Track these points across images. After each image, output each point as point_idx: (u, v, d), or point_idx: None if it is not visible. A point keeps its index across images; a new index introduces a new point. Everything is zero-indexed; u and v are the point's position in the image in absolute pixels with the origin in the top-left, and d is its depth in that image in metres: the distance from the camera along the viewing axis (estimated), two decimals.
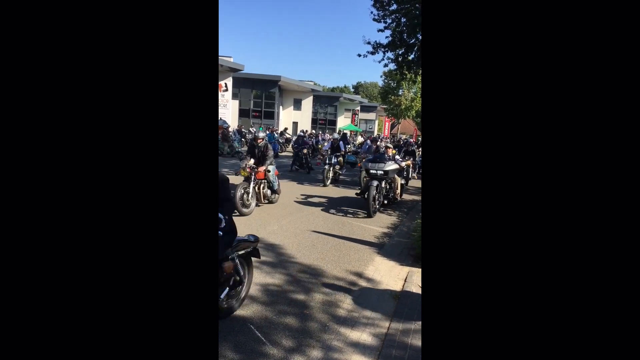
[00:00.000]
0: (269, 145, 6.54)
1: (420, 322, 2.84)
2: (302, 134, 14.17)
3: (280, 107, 29.02)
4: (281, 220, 5.64)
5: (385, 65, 11.32)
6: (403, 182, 8.14)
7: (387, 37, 10.17)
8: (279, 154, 15.87)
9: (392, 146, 7.97)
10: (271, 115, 27.50)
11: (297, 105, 30.53)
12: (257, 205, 6.18)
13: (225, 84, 20.96)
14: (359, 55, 10.61)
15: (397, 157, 7.67)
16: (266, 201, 6.51)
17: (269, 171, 6.21)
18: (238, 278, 2.79)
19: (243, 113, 27.05)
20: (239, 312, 2.82)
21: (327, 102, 34.26)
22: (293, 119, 30.09)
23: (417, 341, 2.59)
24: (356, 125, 33.66)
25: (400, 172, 7.83)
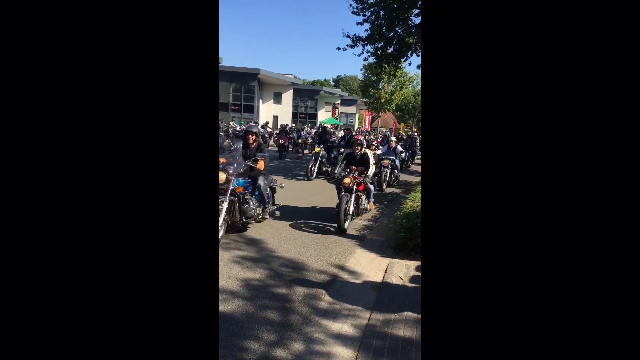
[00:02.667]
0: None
1: (400, 313, 2.89)
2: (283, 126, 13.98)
3: (260, 100, 28.70)
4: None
5: (365, 59, 11.31)
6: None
7: (366, 30, 10.17)
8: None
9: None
10: (251, 109, 27.18)
11: (277, 99, 30.28)
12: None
13: None
14: (339, 49, 10.47)
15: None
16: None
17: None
18: None
19: (222, 107, 26.60)
20: (219, 307, 2.79)
21: (308, 95, 34.12)
22: (273, 112, 29.84)
23: (397, 331, 2.64)
24: (337, 119, 33.71)
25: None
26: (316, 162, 9.47)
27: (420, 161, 12.98)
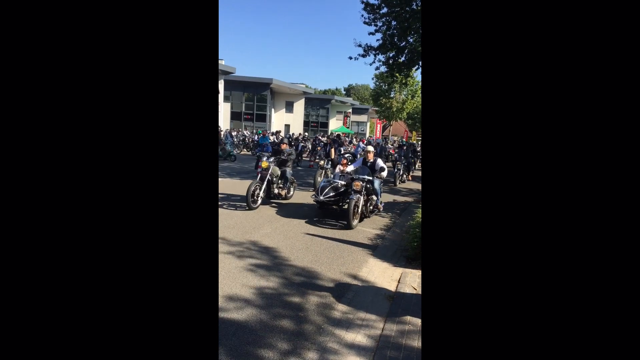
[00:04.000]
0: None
1: (414, 324, 2.86)
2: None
3: (272, 109, 28.98)
4: (274, 223, 5.64)
5: (377, 68, 11.40)
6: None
7: (377, 40, 10.23)
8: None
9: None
10: (263, 118, 27.45)
11: (289, 107, 30.54)
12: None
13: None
14: (350, 58, 10.55)
15: None
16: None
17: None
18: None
19: (235, 116, 26.99)
20: (233, 315, 2.81)
21: (319, 104, 34.33)
22: (285, 121, 30.08)
23: (411, 342, 2.61)
24: (348, 128, 33.79)
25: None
26: (263, 183, 6.42)
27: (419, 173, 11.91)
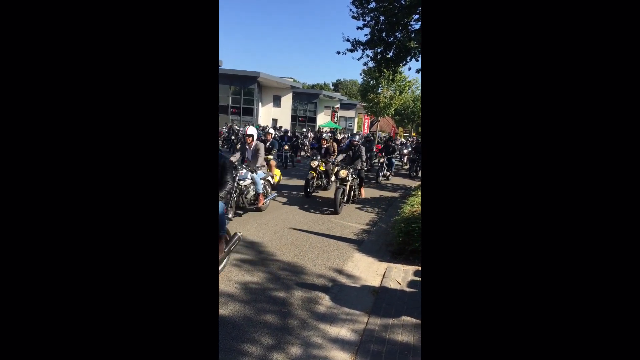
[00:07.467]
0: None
1: (398, 318, 2.89)
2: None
3: (260, 103, 28.75)
4: (260, 218, 5.61)
5: (365, 64, 11.36)
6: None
7: (366, 35, 10.23)
8: None
9: None
10: (250, 112, 27.23)
11: (277, 102, 30.33)
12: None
13: None
14: (338, 53, 10.56)
15: None
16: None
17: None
18: None
19: (221, 109, 26.68)
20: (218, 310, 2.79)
21: (307, 99, 34.18)
22: (272, 115, 29.88)
23: (395, 336, 2.64)
24: (336, 123, 33.79)
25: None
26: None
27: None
